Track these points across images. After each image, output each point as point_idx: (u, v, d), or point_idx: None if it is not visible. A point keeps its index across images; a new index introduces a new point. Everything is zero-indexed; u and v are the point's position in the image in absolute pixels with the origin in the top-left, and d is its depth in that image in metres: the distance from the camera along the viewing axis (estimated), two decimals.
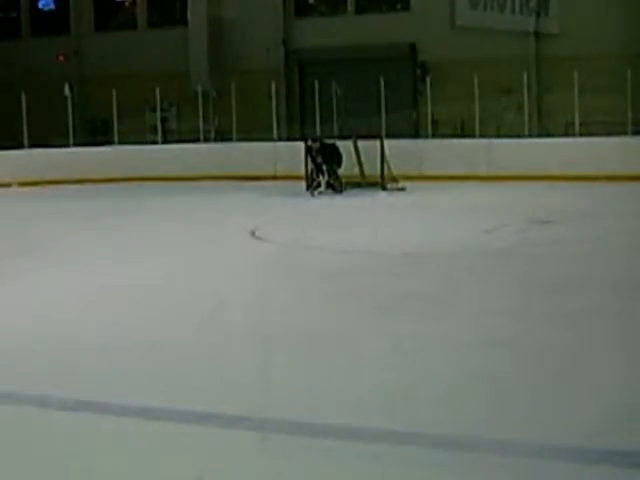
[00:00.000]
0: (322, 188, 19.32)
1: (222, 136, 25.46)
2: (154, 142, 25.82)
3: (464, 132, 24.25)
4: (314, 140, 20.13)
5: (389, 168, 19.67)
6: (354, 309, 8.22)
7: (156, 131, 26.46)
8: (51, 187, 22.33)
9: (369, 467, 4.57)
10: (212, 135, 25.56)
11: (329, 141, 20.00)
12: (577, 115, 21.31)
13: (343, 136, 21.60)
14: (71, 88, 26.08)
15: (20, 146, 23.85)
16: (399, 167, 19.70)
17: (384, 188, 19.55)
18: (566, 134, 22.62)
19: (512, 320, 7.58)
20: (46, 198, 20.67)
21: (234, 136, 24.55)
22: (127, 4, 31.17)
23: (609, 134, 21.27)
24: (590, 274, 9.63)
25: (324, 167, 19.39)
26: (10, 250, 12.40)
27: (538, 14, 25.29)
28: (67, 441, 5.07)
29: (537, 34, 25.35)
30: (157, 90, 24.90)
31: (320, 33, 27.68)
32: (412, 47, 26.83)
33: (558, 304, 8.12)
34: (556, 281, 9.25)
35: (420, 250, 11.73)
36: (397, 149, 20.15)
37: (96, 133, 28.17)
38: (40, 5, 30.97)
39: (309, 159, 19.79)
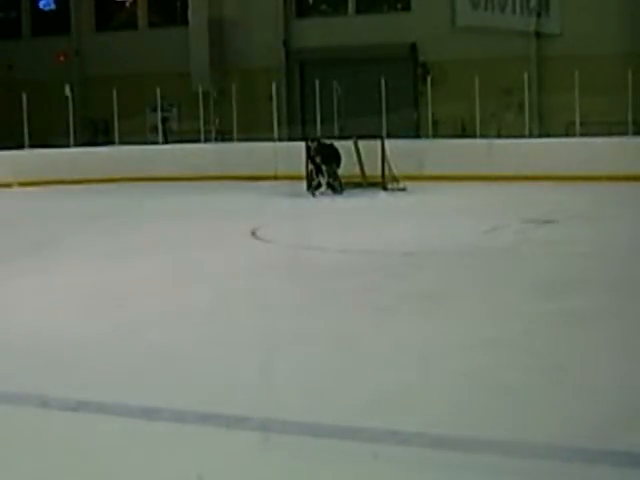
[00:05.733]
0: (323, 188, 19.32)
1: (223, 136, 25.48)
2: (155, 142, 25.83)
3: (465, 132, 24.25)
4: (312, 140, 20.14)
5: (390, 168, 19.66)
6: (354, 309, 8.22)
7: (157, 131, 26.47)
8: (51, 187, 22.33)
9: (369, 467, 4.57)
10: (213, 135, 25.56)
11: (328, 141, 19.99)
12: (577, 115, 21.31)
13: (344, 136, 21.61)
14: (72, 88, 26.06)
15: (20, 146, 23.85)
16: (400, 167, 19.69)
17: (385, 188, 19.55)
18: (566, 134, 22.61)
19: (512, 320, 7.58)
20: (46, 198, 20.67)
21: (235, 136, 24.56)
22: (128, 4, 31.17)
23: (609, 134, 21.29)
24: (590, 274, 9.63)
25: (323, 167, 19.38)
26: (10, 250, 12.41)
27: (539, 14, 25.29)
28: (67, 441, 5.08)
29: (538, 34, 25.36)
30: (158, 90, 24.90)
31: (321, 33, 27.70)
32: (413, 47, 26.84)
33: (558, 304, 8.11)
34: (556, 281, 9.25)
35: (420, 250, 11.74)
36: (398, 149, 20.15)
37: (97, 133, 28.21)
38: (41, 5, 30.96)
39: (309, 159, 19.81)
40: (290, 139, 24.13)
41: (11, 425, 5.37)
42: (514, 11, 25.37)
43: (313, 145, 19.73)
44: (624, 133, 21.30)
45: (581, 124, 21.41)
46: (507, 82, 24.35)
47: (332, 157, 19.47)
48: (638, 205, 16.67)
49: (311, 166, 19.70)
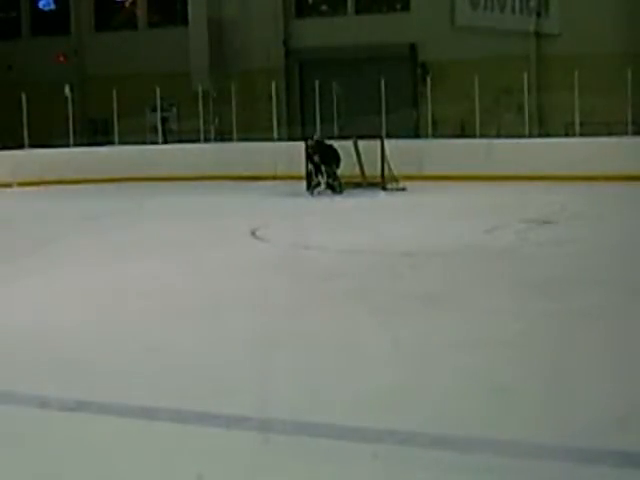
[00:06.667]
0: (322, 188, 19.32)
1: (222, 136, 25.44)
2: (154, 142, 25.82)
3: (464, 132, 24.25)
4: (311, 138, 20.14)
5: (389, 168, 19.67)
6: (354, 309, 8.21)
7: (156, 131, 26.46)
8: (51, 187, 22.34)
9: (369, 467, 4.58)
10: (212, 135, 25.55)
11: (328, 142, 19.97)
12: (577, 115, 21.31)
13: (343, 136, 21.60)
14: (71, 88, 26.08)
15: (20, 146, 23.84)
16: (399, 167, 19.70)
17: (384, 188, 19.55)
18: (566, 134, 22.61)
19: (512, 320, 7.58)
20: (46, 198, 20.67)
21: (234, 136, 24.54)
22: (127, 4, 31.17)
23: (609, 134, 21.29)
24: (590, 274, 9.63)
25: (323, 167, 19.38)
26: (10, 250, 12.41)
27: (538, 14, 25.27)
28: (67, 441, 5.08)
29: (537, 34, 25.35)
30: (157, 90, 24.91)
31: (320, 33, 27.69)
32: (412, 47, 26.85)
33: (558, 304, 8.12)
34: (556, 281, 9.25)
35: (420, 250, 11.74)
36: (397, 149, 20.15)
37: (96, 133, 28.18)
38: (40, 5, 30.94)
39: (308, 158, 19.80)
40: (290, 139, 24.12)
41: (11, 425, 5.37)
42: (514, 11, 25.34)
43: (310, 143, 19.75)
44: (624, 133, 21.29)
45: (581, 124, 21.40)
46: (507, 82, 24.34)
47: (332, 157, 19.47)
48: (638, 205, 16.67)
49: (311, 166, 19.71)
